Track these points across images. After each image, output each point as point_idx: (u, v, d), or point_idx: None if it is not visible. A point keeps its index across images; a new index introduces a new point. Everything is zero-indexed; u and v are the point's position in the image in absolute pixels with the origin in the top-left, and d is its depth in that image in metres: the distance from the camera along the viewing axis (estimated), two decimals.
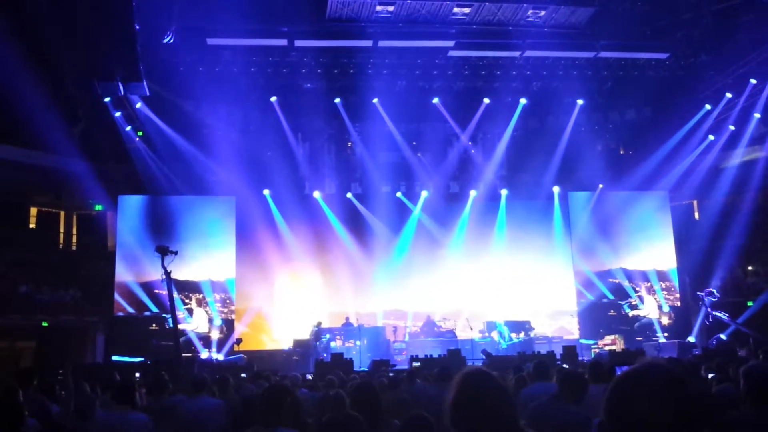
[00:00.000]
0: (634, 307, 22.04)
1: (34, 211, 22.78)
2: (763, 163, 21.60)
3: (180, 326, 19.37)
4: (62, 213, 23.18)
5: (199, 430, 6.03)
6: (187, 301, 20.82)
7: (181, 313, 20.18)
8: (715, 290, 20.26)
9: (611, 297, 22.32)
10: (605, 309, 22.29)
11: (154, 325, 20.18)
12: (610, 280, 22.51)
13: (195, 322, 20.67)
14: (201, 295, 21.13)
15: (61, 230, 23.20)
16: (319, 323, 20.12)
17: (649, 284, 22.38)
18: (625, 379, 1.68)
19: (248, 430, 4.57)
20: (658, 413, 1.58)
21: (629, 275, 22.52)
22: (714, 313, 19.60)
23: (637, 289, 22.32)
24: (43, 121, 17.57)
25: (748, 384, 3.93)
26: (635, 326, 21.40)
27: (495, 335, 20.30)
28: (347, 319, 20.84)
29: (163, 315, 19.60)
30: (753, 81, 20.77)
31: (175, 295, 20.10)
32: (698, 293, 20.56)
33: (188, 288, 20.85)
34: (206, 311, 20.99)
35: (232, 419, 6.47)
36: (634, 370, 1.70)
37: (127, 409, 5.64)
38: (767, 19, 18.65)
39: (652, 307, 22.06)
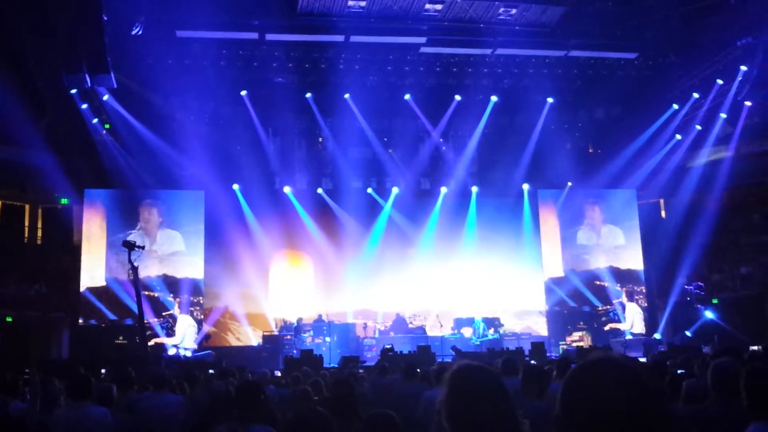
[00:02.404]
0: (615, 317, 21.88)
1: None
2: (729, 162, 21.94)
3: (160, 341, 19.07)
4: (27, 206, 22.76)
5: (160, 427, 5.96)
6: (170, 299, 20.32)
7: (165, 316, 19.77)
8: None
9: (597, 303, 22.34)
10: (576, 316, 22.47)
11: (121, 337, 19.40)
12: (597, 283, 22.62)
13: (179, 334, 19.76)
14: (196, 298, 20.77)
15: (26, 224, 22.80)
16: (300, 319, 20.13)
17: (630, 287, 22.37)
18: (578, 372, 1.70)
19: (221, 426, 4.50)
20: (609, 404, 1.59)
21: (600, 275, 22.75)
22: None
23: (619, 290, 22.28)
24: (8, 113, 17.24)
25: (715, 379, 4.14)
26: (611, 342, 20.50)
27: (465, 332, 20.42)
28: (320, 316, 20.82)
29: (134, 324, 19.04)
30: (719, 82, 21.06)
31: (172, 298, 19.92)
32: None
33: (172, 288, 20.47)
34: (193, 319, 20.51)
35: (199, 416, 6.40)
36: (586, 362, 1.71)
37: (86, 403, 5.51)
38: (734, 21, 18.95)
39: (634, 317, 21.79)
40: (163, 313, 20.03)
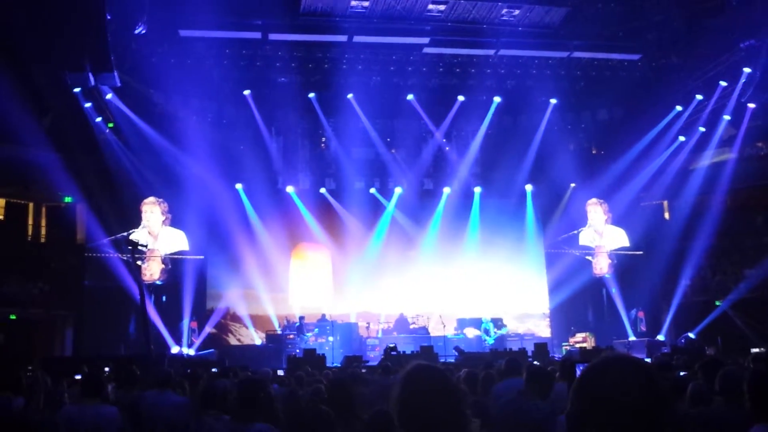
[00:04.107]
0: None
1: (1, 202, 22.33)
2: (732, 164, 21.90)
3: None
4: (31, 205, 22.78)
5: (163, 426, 5.96)
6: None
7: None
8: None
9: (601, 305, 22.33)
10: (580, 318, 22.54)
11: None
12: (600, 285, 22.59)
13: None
14: None
15: (30, 222, 22.80)
16: (302, 318, 20.15)
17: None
18: (593, 369, 1.73)
19: (208, 415, 4.52)
20: (624, 401, 1.61)
21: (603, 277, 22.74)
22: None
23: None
24: (12, 112, 17.24)
25: (721, 381, 4.27)
26: None
27: (468, 332, 20.46)
28: (323, 316, 20.83)
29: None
30: (723, 83, 21.01)
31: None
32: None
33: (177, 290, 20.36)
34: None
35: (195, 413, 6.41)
36: (601, 360, 1.74)
37: (96, 402, 5.53)
38: (737, 23, 18.92)
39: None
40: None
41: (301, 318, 20.19)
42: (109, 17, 15.54)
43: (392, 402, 2.32)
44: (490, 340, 20.05)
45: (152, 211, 20.60)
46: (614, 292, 22.37)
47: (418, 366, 2.37)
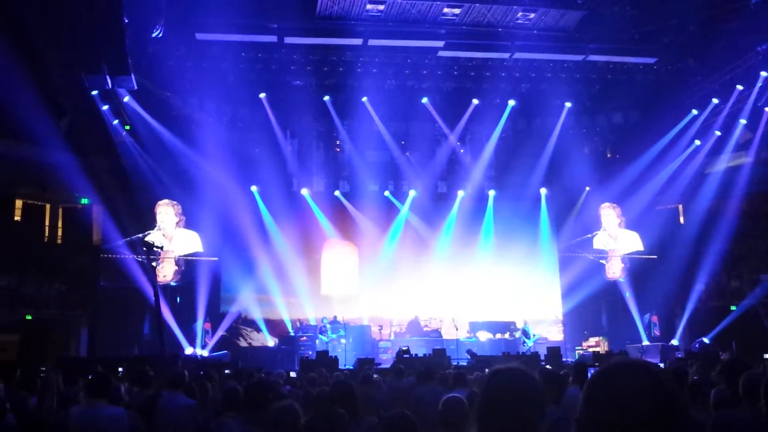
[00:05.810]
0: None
1: (19, 203, 22.52)
2: (748, 169, 21.75)
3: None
4: (48, 206, 22.96)
5: (175, 427, 6.00)
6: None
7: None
8: None
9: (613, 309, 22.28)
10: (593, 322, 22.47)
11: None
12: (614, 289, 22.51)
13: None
14: None
15: (47, 223, 22.97)
16: (324, 318, 20.33)
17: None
18: (605, 373, 1.73)
19: (226, 416, 4.57)
20: (635, 405, 1.62)
21: (617, 281, 22.66)
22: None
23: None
24: (29, 113, 17.38)
25: (746, 387, 4.31)
26: None
27: (481, 335, 20.47)
28: (335, 318, 20.87)
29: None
30: (739, 87, 20.85)
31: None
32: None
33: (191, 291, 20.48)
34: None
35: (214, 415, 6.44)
36: (613, 363, 1.75)
37: (102, 402, 5.54)
38: (754, 26, 18.79)
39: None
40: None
41: (323, 318, 20.40)
42: (126, 21, 15.66)
43: (476, 400, 2.28)
44: (530, 342, 20.17)
45: (166, 212, 20.73)
46: (628, 296, 22.27)
47: (507, 368, 2.32)
